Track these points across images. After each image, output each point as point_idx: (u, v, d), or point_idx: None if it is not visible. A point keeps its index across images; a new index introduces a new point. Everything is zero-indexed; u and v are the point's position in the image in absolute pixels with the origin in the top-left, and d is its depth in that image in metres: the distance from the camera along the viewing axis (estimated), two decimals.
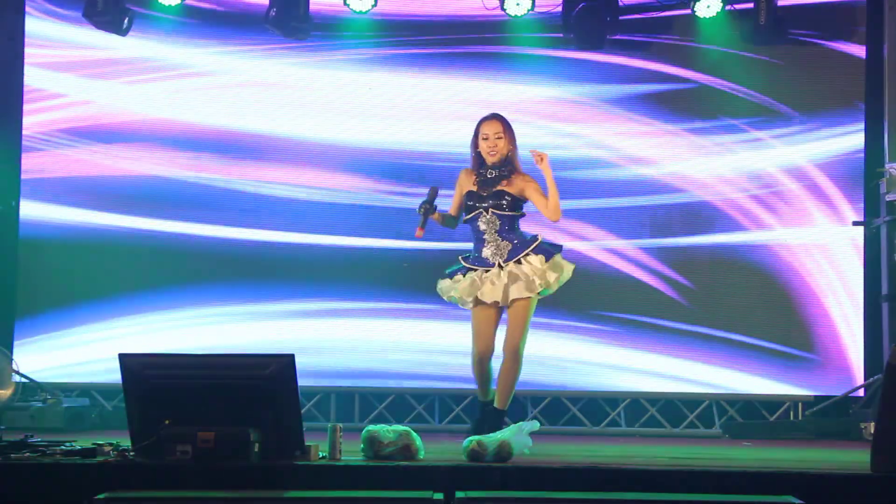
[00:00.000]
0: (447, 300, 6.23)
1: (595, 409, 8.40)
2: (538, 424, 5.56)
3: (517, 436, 5.21)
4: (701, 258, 8.39)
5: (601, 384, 8.34)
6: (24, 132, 8.44)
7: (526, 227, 6.23)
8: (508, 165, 6.12)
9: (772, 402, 8.35)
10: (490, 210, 6.06)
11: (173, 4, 8.31)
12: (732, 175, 8.40)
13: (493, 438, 5.11)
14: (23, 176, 8.44)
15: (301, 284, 8.37)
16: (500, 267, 6.03)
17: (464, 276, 6.12)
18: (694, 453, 6.25)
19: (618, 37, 8.35)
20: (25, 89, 8.46)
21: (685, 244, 8.38)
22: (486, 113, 6.25)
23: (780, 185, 8.39)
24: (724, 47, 8.40)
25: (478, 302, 6.06)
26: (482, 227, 6.09)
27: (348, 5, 8.29)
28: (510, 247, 6.04)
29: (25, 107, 8.45)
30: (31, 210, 8.41)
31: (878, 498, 4.63)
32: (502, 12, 8.26)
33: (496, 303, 6.03)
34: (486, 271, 6.05)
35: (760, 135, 8.39)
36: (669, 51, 8.45)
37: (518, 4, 8.25)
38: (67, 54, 8.49)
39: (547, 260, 6.02)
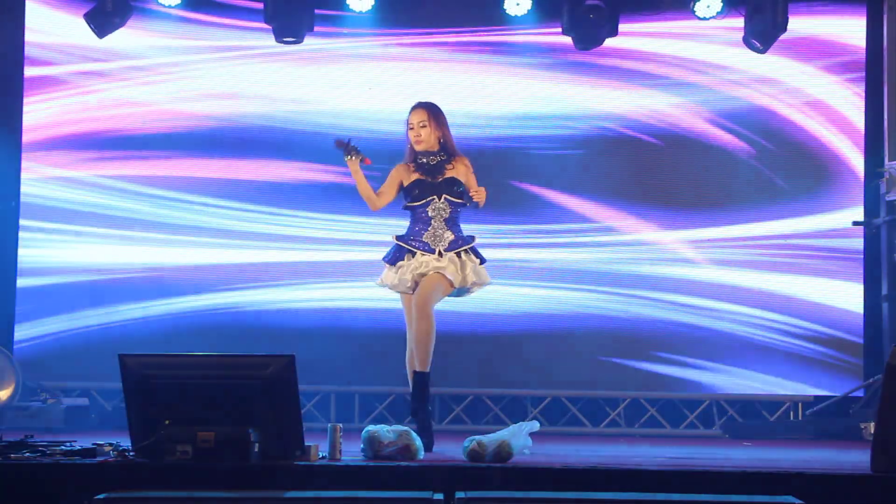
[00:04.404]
0: (387, 287, 6.09)
1: (595, 409, 8.40)
2: (538, 424, 5.56)
3: (517, 436, 5.20)
4: (698, 256, 8.42)
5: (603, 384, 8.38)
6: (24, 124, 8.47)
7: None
8: (445, 151, 6.12)
9: (772, 402, 8.35)
10: (443, 197, 6.03)
11: (173, 4, 8.32)
12: (729, 169, 8.46)
13: (493, 438, 5.11)
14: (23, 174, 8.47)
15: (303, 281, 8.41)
16: (440, 255, 5.98)
17: (403, 259, 6.03)
18: (694, 453, 6.25)
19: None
20: (25, 87, 8.48)
21: (682, 239, 8.42)
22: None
23: (775, 183, 8.43)
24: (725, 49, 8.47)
25: (415, 287, 5.98)
26: (430, 213, 6.03)
27: (348, 5, 8.30)
28: (452, 238, 6.01)
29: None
30: (31, 207, 8.44)
31: (878, 498, 4.62)
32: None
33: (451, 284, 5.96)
34: (423, 255, 5.98)
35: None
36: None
37: (518, 4, 8.25)
38: (68, 51, 8.50)
39: (482, 263, 6.07)
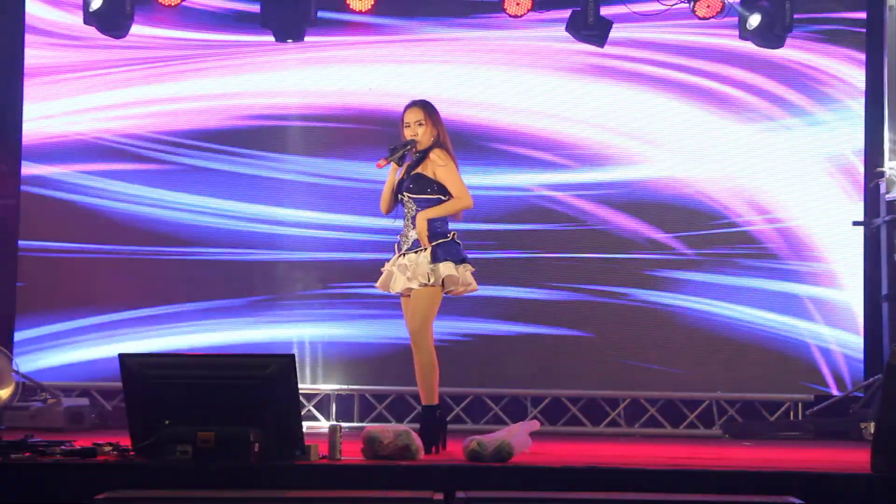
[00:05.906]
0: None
1: (595, 409, 8.40)
2: (538, 424, 5.57)
3: (517, 436, 5.21)
4: (698, 256, 8.42)
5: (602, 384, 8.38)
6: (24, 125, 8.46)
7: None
8: (434, 147, 5.92)
9: (772, 402, 8.35)
10: (405, 193, 5.89)
11: (173, 4, 8.33)
12: (730, 169, 8.47)
13: (493, 438, 5.11)
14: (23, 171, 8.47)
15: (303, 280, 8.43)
16: (403, 255, 5.85)
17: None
18: (694, 453, 6.25)
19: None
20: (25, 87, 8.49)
21: (683, 239, 8.42)
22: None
23: (776, 183, 8.44)
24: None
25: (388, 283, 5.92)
26: (404, 211, 5.92)
27: (348, 5, 8.31)
28: (416, 237, 5.82)
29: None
30: (31, 207, 8.44)
31: (878, 498, 4.63)
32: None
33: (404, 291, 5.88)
34: (398, 258, 5.89)
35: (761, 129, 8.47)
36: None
37: (518, 4, 8.26)
38: (69, 51, 8.51)
39: (433, 262, 5.73)
